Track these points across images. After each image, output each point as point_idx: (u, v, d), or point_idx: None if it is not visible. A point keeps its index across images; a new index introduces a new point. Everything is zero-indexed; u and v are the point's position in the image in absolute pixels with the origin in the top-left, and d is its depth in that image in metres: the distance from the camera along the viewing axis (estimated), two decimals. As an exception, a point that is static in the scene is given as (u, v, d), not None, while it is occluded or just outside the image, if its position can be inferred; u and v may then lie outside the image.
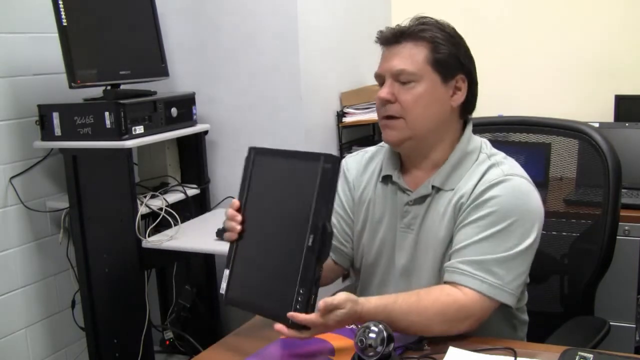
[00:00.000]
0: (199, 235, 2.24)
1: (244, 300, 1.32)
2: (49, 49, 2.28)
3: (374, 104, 2.59)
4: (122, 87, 2.30)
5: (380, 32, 1.41)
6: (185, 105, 2.43)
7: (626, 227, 2.19)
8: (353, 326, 1.30)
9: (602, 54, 2.79)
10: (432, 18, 1.39)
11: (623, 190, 1.69)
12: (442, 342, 1.26)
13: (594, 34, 2.80)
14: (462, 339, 1.27)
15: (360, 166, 1.54)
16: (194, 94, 2.49)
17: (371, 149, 1.57)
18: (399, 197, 1.43)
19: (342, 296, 1.19)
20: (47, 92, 2.34)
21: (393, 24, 1.43)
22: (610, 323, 1.52)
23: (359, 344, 1.12)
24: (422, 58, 1.35)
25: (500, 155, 1.41)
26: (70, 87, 2.11)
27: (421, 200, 1.40)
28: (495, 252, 1.29)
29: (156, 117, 2.27)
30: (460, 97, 1.39)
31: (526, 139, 1.73)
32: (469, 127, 1.43)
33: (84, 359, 2.50)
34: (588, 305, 1.62)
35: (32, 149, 2.30)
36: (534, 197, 1.34)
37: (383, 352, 1.11)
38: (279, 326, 1.20)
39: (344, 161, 1.55)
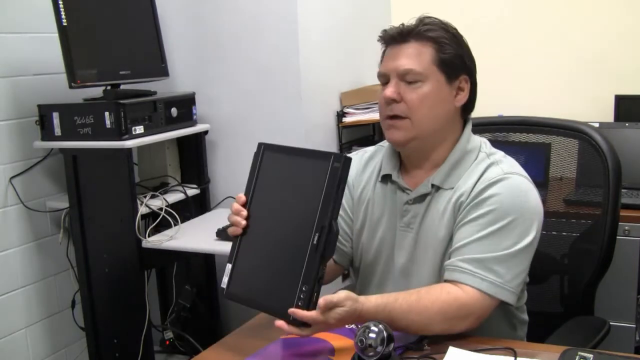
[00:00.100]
0: (199, 235, 2.24)
1: (245, 296, 1.32)
2: (49, 49, 2.28)
3: (374, 104, 2.63)
4: (122, 87, 2.30)
5: (385, 30, 1.41)
6: (185, 105, 2.43)
7: (626, 227, 2.19)
8: (353, 326, 1.30)
9: (602, 54, 2.79)
10: (436, 18, 1.39)
11: (623, 190, 1.69)
12: (442, 342, 1.26)
13: (594, 34, 2.80)
14: (462, 339, 1.27)
15: (359, 166, 1.54)
16: (194, 94, 2.49)
17: (370, 149, 1.57)
18: (398, 197, 1.44)
19: (342, 294, 1.20)
20: (47, 92, 2.34)
21: (393, 24, 1.43)
22: (610, 323, 1.52)
23: (359, 344, 1.12)
24: (428, 58, 1.35)
25: (500, 154, 1.41)
26: (70, 87, 2.11)
27: (421, 199, 1.40)
28: (496, 250, 1.29)
29: (156, 117, 2.27)
30: (463, 97, 1.40)
31: (526, 139, 1.73)
32: (469, 127, 1.44)
33: (84, 359, 2.50)
34: (588, 305, 1.62)
35: (32, 149, 2.30)
36: (533, 195, 1.35)
37: (383, 352, 1.11)
38: (279, 322, 1.20)
39: None
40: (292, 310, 1.18)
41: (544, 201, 1.41)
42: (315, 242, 1.19)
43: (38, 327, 2.41)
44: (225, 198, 2.61)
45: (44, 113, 2.24)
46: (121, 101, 2.13)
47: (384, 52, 1.42)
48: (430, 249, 1.38)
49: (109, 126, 2.14)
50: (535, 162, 1.69)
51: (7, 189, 2.27)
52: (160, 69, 2.46)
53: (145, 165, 2.53)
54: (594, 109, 2.75)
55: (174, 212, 2.27)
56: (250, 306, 1.32)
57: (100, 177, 2.23)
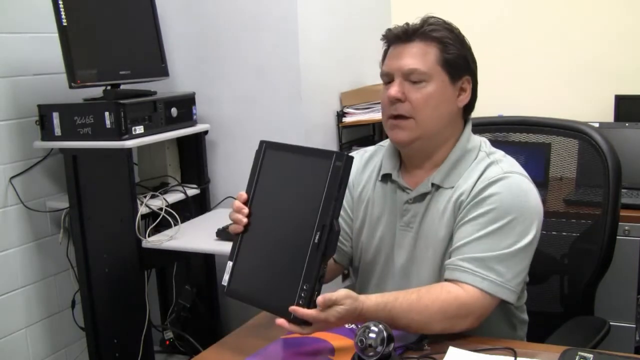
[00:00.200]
0: (199, 235, 2.24)
1: (246, 294, 1.32)
2: (49, 49, 2.28)
3: (374, 104, 2.63)
4: (122, 87, 2.30)
5: (389, 29, 1.40)
6: (185, 105, 2.43)
7: (626, 227, 2.19)
8: (353, 326, 1.31)
9: (602, 54, 2.79)
10: (439, 18, 1.39)
11: (623, 190, 1.69)
12: (442, 342, 1.26)
13: (594, 34, 2.80)
14: (462, 339, 1.27)
15: (359, 165, 1.54)
16: (194, 94, 2.49)
17: (371, 149, 1.58)
18: (398, 196, 1.44)
19: (342, 292, 1.20)
20: (47, 92, 2.34)
21: (393, 24, 1.43)
22: (610, 323, 1.52)
23: (359, 344, 1.12)
24: (433, 58, 1.35)
25: (500, 154, 1.42)
26: (70, 87, 2.11)
27: (421, 198, 1.40)
28: (496, 250, 1.29)
29: (156, 117, 2.27)
30: (466, 98, 1.40)
31: (526, 139, 1.73)
32: (469, 126, 1.44)
33: (84, 359, 2.50)
34: (588, 305, 1.62)
35: (32, 149, 2.30)
36: (533, 194, 1.35)
37: (383, 352, 1.11)
38: (280, 321, 1.20)
39: None
40: (293, 308, 1.18)
41: (544, 201, 1.41)
42: (316, 241, 1.19)
43: (38, 327, 2.41)
44: (225, 198, 2.61)
45: (44, 113, 2.24)
46: (121, 101, 2.13)
47: (386, 51, 1.42)
48: (430, 248, 1.38)
49: (109, 126, 2.14)
50: (535, 162, 1.69)
51: (7, 189, 2.27)
52: (160, 69, 2.46)
53: (145, 165, 2.53)
54: (594, 109, 2.75)
55: (174, 212, 2.27)
56: (251, 304, 1.32)
57: (100, 177, 2.23)
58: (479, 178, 1.35)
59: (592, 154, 1.62)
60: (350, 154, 1.23)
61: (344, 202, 1.51)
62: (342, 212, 1.50)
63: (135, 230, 2.16)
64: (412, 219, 1.41)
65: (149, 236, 2.23)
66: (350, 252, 1.54)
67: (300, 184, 1.27)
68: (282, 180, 1.32)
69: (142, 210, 2.20)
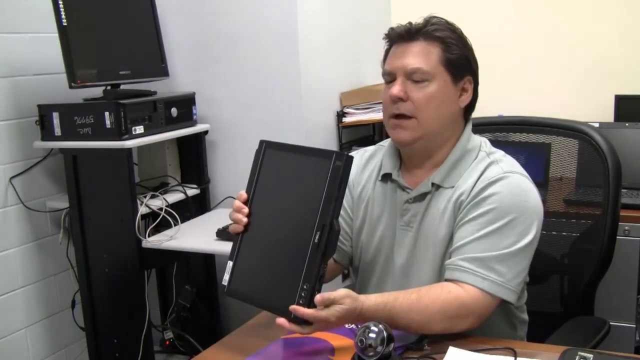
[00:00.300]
0: (199, 235, 2.24)
1: (246, 293, 1.32)
2: (49, 49, 2.28)
3: (374, 104, 2.63)
4: (122, 87, 2.30)
5: (392, 28, 1.40)
6: (185, 105, 2.43)
7: (626, 227, 2.19)
8: (353, 326, 1.31)
9: (602, 54, 2.79)
10: (442, 18, 1.39)
11: (623, 190, 1.69)
12: (442, 342, 1.26)
13: (594, 34, 2.80)
14: (462, 339, 1.27)
15: (360, 165, 1.54)
16: (194, 94, 2.49)
17: (371, 148, 1.58)
18: (398, 195, 1.44)
19: (341, 292, 1.20)
20: (47, 92, 2.34)
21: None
22: (610, 323, 1.52)
23: (359, 344, 1.12)
24: (435, 57, 1.35)
25: (500, 153, 1.42)
26: (70, 87, 2.11)
27: (421, 197, 1.40)
28: (496, 249, 1.29)
29: (156, 117, 2.27)
30: (467, 98, 1.40)
31: (526, 139, 1.73)
32: (469, 126, 1.44)
33: (84, 359, 2.50)
34: (588, 305, 1.62)
35: (32, 149, 2.30)
36: (533, 194, 1.35)
37: (383, 352, 1.11)
38: (280, 320, 1.20)
39: None
40: (293, 307, 1.18)
41: (544, 201, 1.41)
42: (316, 240, 1.19)
43: (38, 327, 2.41)
44: (225, 198, 2.61)
45: (44, 113, 2.24)
46: (121, 101, 2.13)
47: (388, 50, 1.42)
48: (430, 248, 1.38)
49: (109, 126, 2.14)
50: (535, 162, 1.69)
51: (7, 189, 2.27)
52: (160, 69, 2.46)
53: (145, 165, 2.53)
54: (594, 109, 2.75)
55: (174, 212, 2.27)
56: (251, 304, 1.32)
57: (100, 177, 2.23)
58: (479, 178, 1.35)
59: (592, 154, 1.62)
60: (350, 154, 1.23)
61: (344, 202, 1.50)
62: (342, 212, 1.50)
63: (135, 230, 2.16)
64: (412, 219, 1.41)
65: (149, 236, 2.23)
66: (350, 251, 1.54)
67: (300, 184, 1.27)
68: (282, 180, 1.32)
69: (142, 210, 2.20)
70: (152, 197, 2.30)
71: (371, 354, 1.11)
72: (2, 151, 2.24)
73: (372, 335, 1.12)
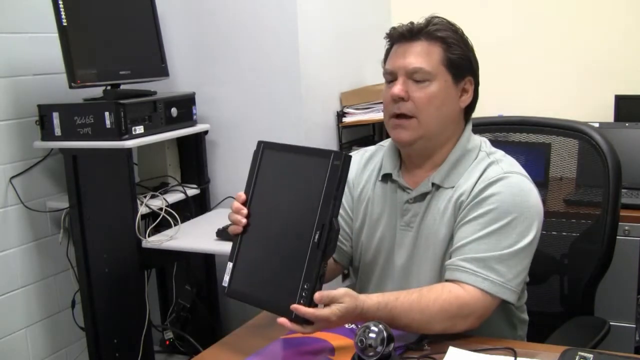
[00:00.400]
0: (199, 235, 2.24)
1: (247, 294, 1.32)
2: (49, 49, 2.28)
3: (374, 104, 2.63)
4: (122, 87, 2.30)
5: (393, 28, 1.41)
6: (185, 105, 2.43)
7: (626, 227, 2.19)
8: (353, 326, 1.31)
9: (602, 54, 2.79)
10: (443, 18, 1.39)
11: (623, 190, 1.69)
12: (442, 342, 1.26)
13: (594, 34, 2.80)
14: (462, 339, 1.27)
15: (360, 165, 1.54)
16: (194, 94, 2.49)
17: (371, 148, 1.58)
18: (398, 196, 1.44)
19: (341, 290, 1.20)
20: (47, 92, 2.34)
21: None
22: (610, 323, 1.52)
23: (359, 344, 1.12)
24: (437, 57, 1.35)
25: (500, 153, 1.42)
26: (70, 87, 2.11)
27: (421, 198, 1.40)
28: (496, 250, 1.29)
29: (156, 117, 2.27)
30: (468, 98, 1.40)
31: (526, 139, 1.73)
32: (469, 126, 1.44)
33: (84, 359, 2.50)
34: (588, 305, 1.62)
35: (32, 149, 2.30)
36: (533, 194, 1.35)
37: (383, 352, 1.11)
38: (281, 320, 1.20)
39: None
40: (294, 306, 1.18)
41: (544, 201, 1.41)
42: (316, 240, 1.19)
43: (38, 327, 2.41)
44: (225, 198, 2.61)
45: (44, 113, 2.24)
46: (121, 101, 2.13)
47: (389, 50, 1.42)
48: (430, 248, 1.38)
49: (109, 126, 2.14)
50: (535, 162, 1.69)
51: (7, 189, 2.27)
52: (160, 69, 2.46)
53: (145, 165, 2.53)
54: (594, 109, 2.75)
55: (174, 212, 2.27)
56: (251, 304, 1.32)
57: (100, 177, 2.23)
58: (479, 178, 1.35)
59: (592, 154, 1.62)
60: (348, 154, 1.23)
61: (344, 202, 1.51)
62: (342, 212, 1.50)
63: (135, 230, 2.16)
64: (413, 219, 1.41)
65: (149, 236, 2.23)
66: (350, 251, 1.54)
67: (299, 184, 1.27)
68: (280, 180, 1.32)
69: (142, 210, 2.20)
70: (152, 197, 2.30)
71: (371, 354, 1.11)
72: (2, 151, 2.24)
73: (372, 335, 1.12)
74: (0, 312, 2.25)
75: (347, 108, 2.70)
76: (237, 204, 1.34)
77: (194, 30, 2.61)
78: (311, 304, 1.18)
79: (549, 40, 2.89)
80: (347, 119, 2.70)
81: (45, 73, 2.35)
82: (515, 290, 1.30)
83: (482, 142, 1.44)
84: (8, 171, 2.27)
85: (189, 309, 2.55)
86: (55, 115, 2.22)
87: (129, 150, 2.16)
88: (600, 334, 1.47)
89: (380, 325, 1.13)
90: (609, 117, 2.68)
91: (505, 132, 1.76)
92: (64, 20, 2.08)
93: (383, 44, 1.45)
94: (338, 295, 1.19)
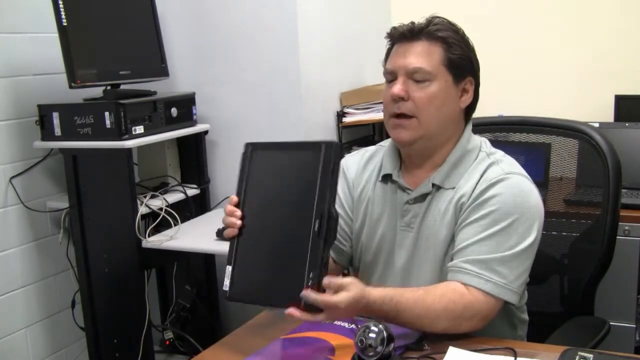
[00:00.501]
0: (199, 235, 2.24)
1: (250, 294, 1.31)
2: (49, 49, 2.28)
3: (374, 104, 2.63)
4: (122, 87, 2.30)
5: (394, 27, 1.40)
6: (185, 105, 2.43)
7: (626, 227, 2.19)
8: (353, 326, 1.30)
9: (602, 54, 2.79)
10: (444, 18, 1.39)
11: (623, 190, 1.69)
12: (442, 342, 1.26)
13: (594, 34, 2.80)
14: (462, 339, 1.27)
15: (359, 165, 1.54)
16: (194, 94, 2.49)
17: (371, 149, 1.57)
18: (398, 196, 1.44)
19: (348, 279, 1.19)
20: (47, 92, 2.34)
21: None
22: (610, 323, 1.51)
23: (359, 344, 1.12)
24: (437, 57, 1.35)
25: (500, 154, 1.42)
26: (70, 87, 2.11)
27: (421, 198, 1.40)
28: (498, 251, 1.29)
29: (156, 117, 2.27)
30: (468, 99, 1.40)
31: (526, 139, 1.73)
32: (469, 127, 1.44)
33: (84, 359, 2.50)
34: (588, 305, 1.62)
35: (32, 149, 2.30)
36: (534, 195, 1.35)
37: (383, 352, 1.11)
38: (291, 310, 1.17)
39: (343, 160, 1.55)
40: (305, 292, 1.15)
41: (544, 201, 1.41)
42: (316, 229, 1.19)
43: (38, 327, 2.41)
44: (225, 198, 2.59)
45: (44, 113, 2.24)
46: (121, 101, 2.13)
47: (389, 49, 1.42)
48: (430, 249, 1.38)
49: (109, 126, 2.14)
50: (535, 162, 1.69)
51: (7, 189, 2.27)
52: (160, 69, 2.46)
53: (145, 165, 2.53)
54: (594, 109, 2.75)
55: (174, 212, 2.27)
56: (256, 303, 1.32)
57: (100, 177, 2.23)
58: (479, 179, 1.35)
59: (592, 154, 1.62)
60: (337, 141, 1.22)
61: (344, 203, 1.51)
62: (341, 213, 1.50)
63: (135, 230, 2.16)
64: (413, 220, 1.41)
65: (149, 236, 2.23)
66: (349, 252, 1.54)
67: (293, 178, 1.27)
68: (273, 178, 1.32)
69: (142, 210, 2.20)
70: (152, 197, 2.30)
71: (371, 354, 1.11)
72: (2, 151, 2.24)
73: (372, 335, 1.11)
74: (0, 312, 2.25)
75: (347, 108, 2.70)
76: (230, 207, 1.33)
77: (194, 30, 2.61)
78: (320, 287, 1.17)
79: (549, 40, 2.89)
80: (347, 119, 2.70)
81: (45, 73, 2.35)
82: (517, 291, 1.30)
83: (482, 142, 1.44)
84: (8, 171, 2.27)
85: (189, 309, 2.55)
86: (55, 115, 2.22)
87: (129, 150, 2.16)
88: (600, 334, 1.47)
89: (380, 325, 1.13)
90: (609, 117, 2.68)
91: (505, 132, 1.76)
92: (64, 20, 2.08)
93: (383, 44, 1.45)
94: (346, 282, 1.18)
